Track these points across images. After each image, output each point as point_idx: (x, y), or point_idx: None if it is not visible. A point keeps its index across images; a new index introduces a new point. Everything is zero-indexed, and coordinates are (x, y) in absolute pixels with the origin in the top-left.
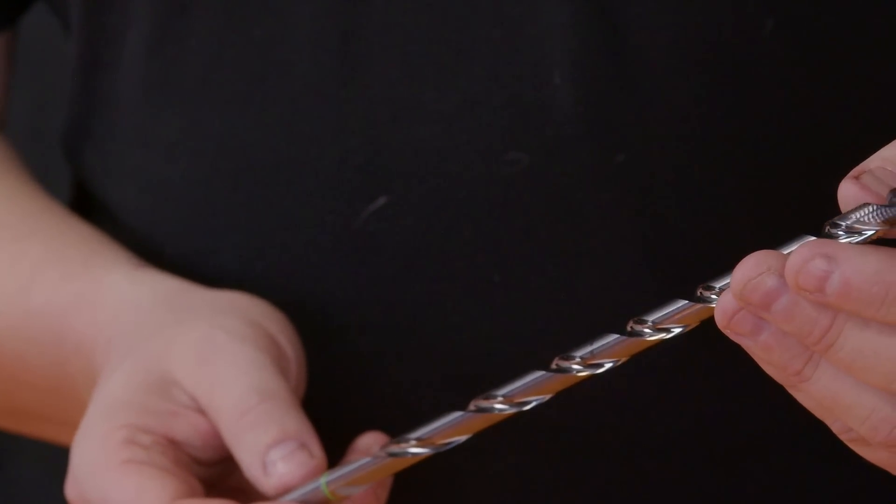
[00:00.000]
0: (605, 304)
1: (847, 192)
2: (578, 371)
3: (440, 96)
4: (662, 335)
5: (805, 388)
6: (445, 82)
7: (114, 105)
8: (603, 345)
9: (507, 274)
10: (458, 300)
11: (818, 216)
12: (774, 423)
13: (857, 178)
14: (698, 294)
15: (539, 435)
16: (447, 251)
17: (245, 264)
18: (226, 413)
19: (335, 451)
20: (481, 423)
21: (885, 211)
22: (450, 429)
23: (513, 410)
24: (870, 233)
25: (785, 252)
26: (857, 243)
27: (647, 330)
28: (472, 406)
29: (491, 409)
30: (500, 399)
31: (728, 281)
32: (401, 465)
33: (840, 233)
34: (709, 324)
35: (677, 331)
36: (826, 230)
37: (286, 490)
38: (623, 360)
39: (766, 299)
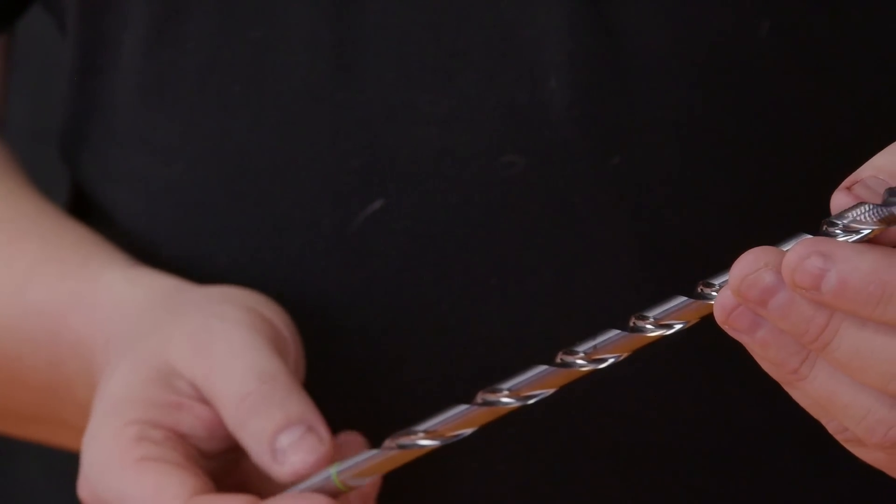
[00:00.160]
0: (602, 305)
1: (839, 202)
2: (582, 366)
3: (436, 99)
4: (663, 331)
5: (801, 387)
6: (441, 85)
7: (110, 108)
8: (605, 340)
9: (503, 277)
10: (455, 303)
11: (814, 217)
12: (773, 426)
13: (849, 188)
14: (698, 291)
15: (536, 438)
16: (443, 254)
17: (241, 267)
18: (227, 399)
19: None
20: (487, 416)
21: (881, 210)
22: (457, 421)
23: (518, 404)
24: (866, 231)
25: (783, 249)
26: (854, 242)
27: (648, 326)
28: (478, 399)
29: (497, 403)
30: (505, 392)
31: (727, 278)
32: (409, 456)
33: (837, 231)
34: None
35: (678, 327)
36: (823, 228)
37: (298, 477)
38: (625, 355)
39: (762, 295)
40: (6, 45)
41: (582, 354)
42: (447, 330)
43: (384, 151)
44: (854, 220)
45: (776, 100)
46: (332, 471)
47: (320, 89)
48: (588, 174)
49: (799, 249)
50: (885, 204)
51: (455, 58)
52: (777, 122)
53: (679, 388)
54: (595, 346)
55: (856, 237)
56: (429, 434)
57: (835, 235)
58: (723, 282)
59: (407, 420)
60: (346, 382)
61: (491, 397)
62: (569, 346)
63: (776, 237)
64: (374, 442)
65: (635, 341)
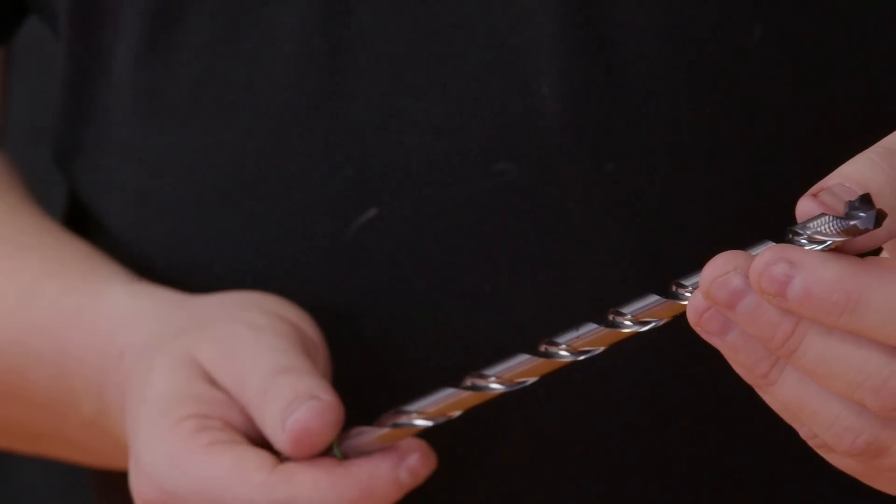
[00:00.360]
0: (597, 311)
1: (804, 208)
2: (563, 357)
3: (428, 107)
4: (638, 328)
5: (771, 392)
6: (433, 93)
7: (103, 118)
8: (587, 332)
9: (497, 284)
10: (449, 311)
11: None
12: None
13: (815, 195)
14: (672, 290)
15: (534, 442)
16: (438, 262)
17: (236, 276)
18: (253, 401)
19: None
20: (474, 399)
21: (843, 223)
22: (446, 403)
23: (504, 389)
24: (828, 242)
25: (753, 254)
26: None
27: (626, 322)
28: (467, 382)
29: (485, 388)
30: (493, 378)
31: (697, 279)
32: (404, 434)
33: (802, 241)
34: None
35: (652, 324)
36: (788, 237)
37: (301, 443)
38: (602, 349)
39: (731, 299)
40: (4, 57)
41: (564, 346)
42: (442, 337)
43: (377, 160)
44: (817, 231)
45: (768, 106)
46: (335, 448)
47: (313, 98)
48: (581, 181)
49: (766, 255)
50: (847, 217)
51: (447, 66)
52: (769, 128)
53: (677, 396)
54: (577, 338)
55: (818, 247)
56: (421, 414)
57: (799, 244)
58: (694, 283)
59: None
60: (342, 390)
61: (479, 382)
62: (550, 338)
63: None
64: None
65: (612, 336)
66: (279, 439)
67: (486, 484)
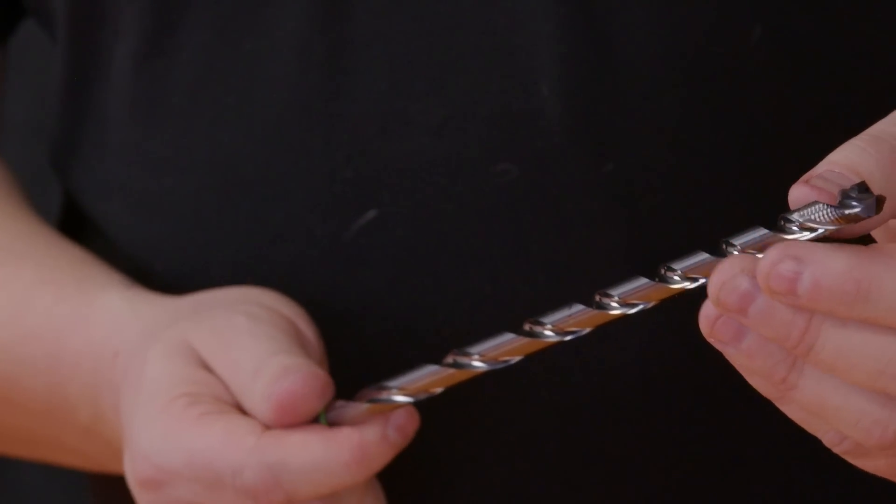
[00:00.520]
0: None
1: (797, 194)
2: (549, 336)
3: (428, 108)
4: (625, 310)
5: (792, 397)
6: (433, 94)
7: (101, 120)
8: (573, 313)
9: (497, 284)
10: (450, 312)
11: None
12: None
13: (807, 181)
14: (661, 273)
15: (532, 443)
16: (438, 263)
17: (235, 278)
18: (245, 384)
19: None
20: (458, 376)
21: (837, 211)
22: (429, 380)
23: (487, 367)
24: (820, 231)
25: (738, 241)
26: (810, 240)
27: (613, 304)
28: (449, 359)
29: (467, 365)
30: (476, 357)
31: (688, 262)
32: (381, 409)
33: (794, 228)
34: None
35: (640, 307)
36: (780, 224)
37: (284, 407)
38: (588, 330)
39: (741, 303)
40: (1, 60)
41: (549, 326)
42: (442, 338)
43: (377, 161)
44: (810, 219)
45: (768, 105)
46: (321, 416)
47: (312, 99)
48: (581, 181)
49: (772, 255)
50: (843, 205)
51: (447, 66)
52: (769, 128)
53: (676, 398)
54: (563, 318)
55: (810, 235)
56: (403, 390)
57: (791, 231)
58: (683, 266)
59: None
60: (341, 390)
61: (462, 359)
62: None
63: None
64: None
65: (599, 317)
66: (264, 408)
67: (483, 483)
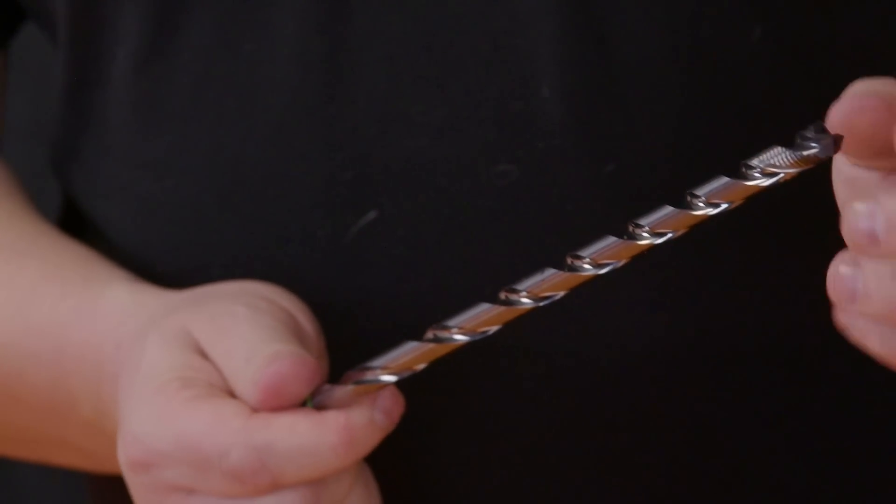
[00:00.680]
0: (597, 312)
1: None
2: (525, 304)
3: (428, 110)
4: (597, 270)
5: None
6: (433, 96)
7: (102, 123)
8: (546, 277)
9: (498, 285)
10: (450, 312)
11: (809, 221)
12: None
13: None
14: (629, 230)
15: (532, 444)
16: (438, 265)
17: (235, 280)
18: (238, 370)
19: None
20: (439, 350)
21: (796, 153)
22: (410, 357)
23: (468, 339)
24: (781, 175)
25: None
26: (772, 184)
27: (585, 265)
28: (429, 335)
29: (447, 339)
30: (455, 329)
31: (654, 217)
32: (366, 390)
33: (756, 174)
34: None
35: (610, 266)
36: (742, 171)
37: (271, 389)
38: (562, 293)
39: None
40: (2, 62)
41: (524, 292)
42: None
43: (377, 162)
44: (770, 164)
45: (769, 105)
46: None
47: (312, 101)
48: (582, 182)
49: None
50: (798, 146)
51: (447, 67)
52: (769, 128)
53: (675, 398)
54: (536, 283)
55: (772, 180)
56: (386, 369)
57: (753, 178)
58: (650, 221)
59: (403, 429)
60: None
61: (442, 333)
62: (550, 345)
63: (768, 240)
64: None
65: (572, 279)
66: (252, 392)
67: (484, 483)
